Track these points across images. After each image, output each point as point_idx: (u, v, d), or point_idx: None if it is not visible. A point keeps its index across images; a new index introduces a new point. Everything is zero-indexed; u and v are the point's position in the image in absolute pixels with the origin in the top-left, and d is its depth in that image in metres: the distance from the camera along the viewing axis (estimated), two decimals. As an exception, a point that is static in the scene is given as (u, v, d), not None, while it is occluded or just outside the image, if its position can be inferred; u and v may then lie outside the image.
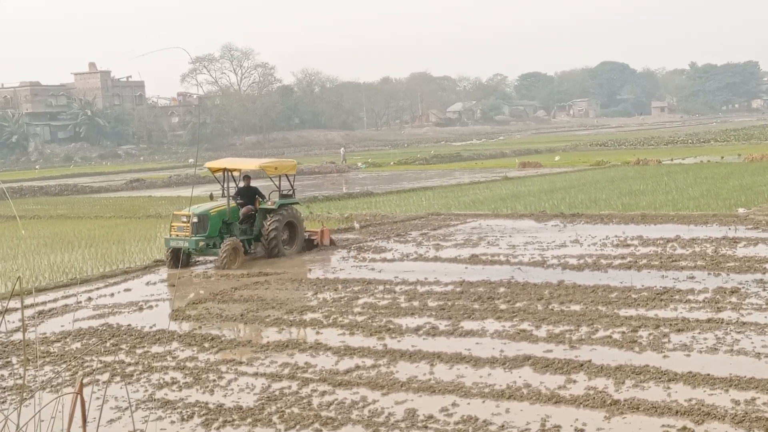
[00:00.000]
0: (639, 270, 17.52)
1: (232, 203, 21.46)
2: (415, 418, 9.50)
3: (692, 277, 16.46)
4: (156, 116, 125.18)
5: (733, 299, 14.39)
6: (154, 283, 19.29)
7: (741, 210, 25.81)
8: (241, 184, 22.36)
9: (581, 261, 18.72)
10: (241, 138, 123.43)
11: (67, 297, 17.73)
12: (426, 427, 9.20)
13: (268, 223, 21.31)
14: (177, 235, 20.73)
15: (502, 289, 16.09)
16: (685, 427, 8.84)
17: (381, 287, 16.87)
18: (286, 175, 22.61)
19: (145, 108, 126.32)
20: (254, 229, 21.71)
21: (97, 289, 18.51)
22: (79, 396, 4.59)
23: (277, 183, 22.56)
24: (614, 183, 38.23)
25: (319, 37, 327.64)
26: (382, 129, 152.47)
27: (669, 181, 36.85)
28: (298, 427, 9.43)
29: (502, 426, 9.13)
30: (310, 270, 19.69)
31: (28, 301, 17.26)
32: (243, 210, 21.52)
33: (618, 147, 74.93)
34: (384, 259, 20.53)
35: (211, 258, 21.21)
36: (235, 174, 22.44)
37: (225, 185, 21.93)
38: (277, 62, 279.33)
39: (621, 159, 54.79)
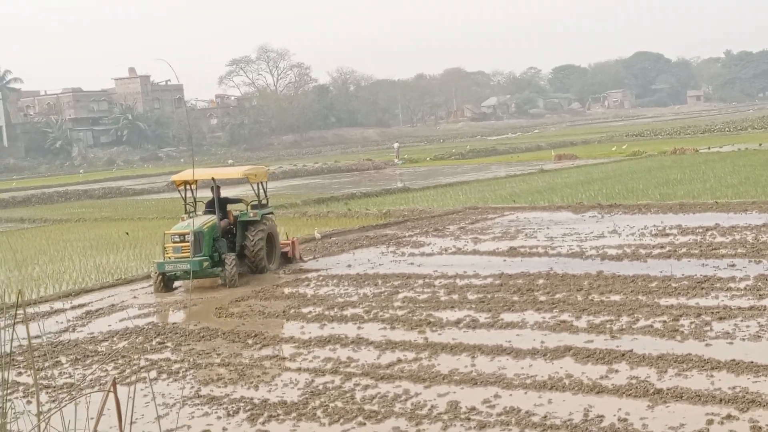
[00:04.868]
0: (678, 259, 17.44)
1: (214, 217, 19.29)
2: (457, 410, 9.58)
3: (733, 265, 16.36)
4: (195, 118, 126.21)
5: (776, 286, 14.29)
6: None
7: (782, 197, 25.52)
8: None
9: (620, 251, 18.66)
10: (278, 137, 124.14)
11: (113, 297, 18.08)
12: (469, 419, 9.28)
13: (253, 236, 19.26)
14: (171, 257, 18.27)
15: (541, 281, 16.11)
16: (729, 415, 8.83)
17: (420, 281, 16.95)
18: (261, 182, 20.78)
19: (184, 111, 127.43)
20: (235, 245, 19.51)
21: (142, 288, 18.82)
22: (111, 394, 4.67)
23: (255, 191, 20.78)
24: (651, 173, 37.93)
25: (353, 35, 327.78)
26: (418, 125, 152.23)
27: (706, 170, 36.49)
28: (342, 420, 9.56)
29: (545, 416, 9.18)
30: (349, 266, 19.83)
31: (76, 302, 17.63)
32: (222, 223, 19.43)
33: (654, 137, 74.21)
34: (423, 254, 20.61)
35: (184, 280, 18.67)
36: (194, 186, 20.28)
37: (185, 196, 20.08)
38: (312, 61, 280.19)
39: (657, 149, 54.28)
